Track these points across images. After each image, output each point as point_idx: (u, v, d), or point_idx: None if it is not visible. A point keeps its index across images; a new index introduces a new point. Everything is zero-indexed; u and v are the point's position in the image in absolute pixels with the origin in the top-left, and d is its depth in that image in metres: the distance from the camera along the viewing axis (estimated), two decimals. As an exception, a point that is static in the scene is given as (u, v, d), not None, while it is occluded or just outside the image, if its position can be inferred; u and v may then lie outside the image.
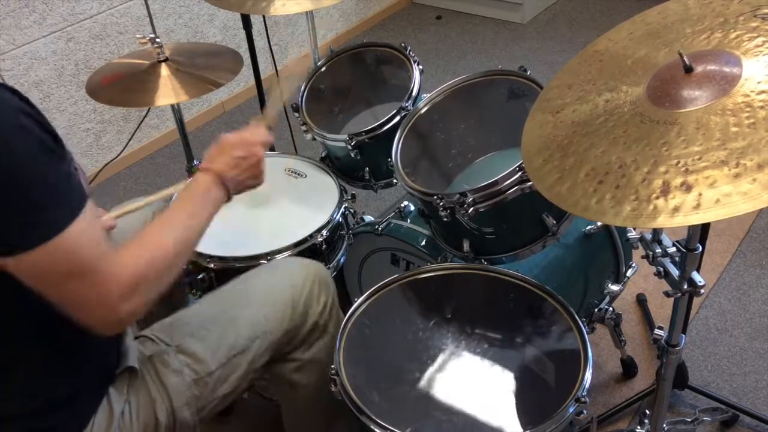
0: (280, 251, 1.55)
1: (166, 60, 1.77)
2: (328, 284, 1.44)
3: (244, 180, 1.28)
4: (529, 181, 1.32)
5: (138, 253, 1.02)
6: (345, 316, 1.35)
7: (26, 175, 0.90)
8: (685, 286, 1.14)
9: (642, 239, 1.21)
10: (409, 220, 1.74)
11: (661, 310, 2.07)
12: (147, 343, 1.26)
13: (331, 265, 1.67)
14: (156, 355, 1.24)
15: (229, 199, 1.25)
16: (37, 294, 0.95)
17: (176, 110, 1.94)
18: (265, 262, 1.54)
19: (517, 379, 1.22)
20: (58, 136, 0.96)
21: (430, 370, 1.25)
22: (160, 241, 1.07)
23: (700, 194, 0.86)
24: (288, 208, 1.71)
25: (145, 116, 2.92)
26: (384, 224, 1.71)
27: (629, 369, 1.89)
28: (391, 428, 1.12)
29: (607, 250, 1.72)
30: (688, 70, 0.97)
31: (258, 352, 1.31)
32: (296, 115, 1.85)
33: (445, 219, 1.42)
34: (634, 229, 1.20)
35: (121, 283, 0.98)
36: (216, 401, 1.28)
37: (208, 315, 1.32)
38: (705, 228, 1.53)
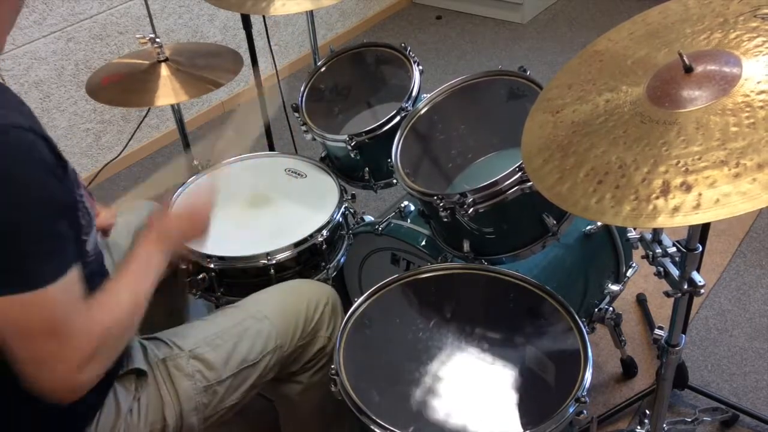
0: (280, 251, 1.55)
1: (166, 60, 1.77)
2: (338, 312, 1.45)
3: (187, 240, 1.33)
4: (529, 181, 1.32)
5: (102, 316, 1.02)
6: (345, 315, 1.35)
7: (22, 222, 0.90)
8: (685, 286, 1.14)
9: (642, 239, 1.21)
10: (409, 220, 1.74)
11: (661, 310, 2.07)
12: (161, 346, 1.28)
13: (331, 265, 1.67)
14: (169, 359, 1.25)
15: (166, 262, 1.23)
16: None
17: (176, 110, 1.94)
18: (266, 261, 1.54)
19: (517, 379, 1.22)
20: (68, 180, 0.98)
21: (430, 370, 1.25)
22: (119, 300, 1.07)
23: (700, 194, 0.86)
24: (288, 208, 1.71)
25: (145, 116, 2.91)
26: (384, 224, 1.71)
27: (629, 369, 1.89)
28: (391, 428, 1.12)
29: (607, 250, 1.72)
30: (688, 70, 0.97)
31: (268, 366, 1.33)
32: (296, 115, 1.85)
33: (445, 219, 1.42)
34: (634, 229, 1.20)
35: (84, 348, 0.97)
36: (223, 411, 1.30)
37: (223, 325, 1.33)
38: (705, 228, 1.53)
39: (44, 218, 0.93)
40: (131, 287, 1.11)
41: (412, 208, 1.78)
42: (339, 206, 1.67)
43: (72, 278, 0.96)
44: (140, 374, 1.21)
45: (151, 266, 1.17)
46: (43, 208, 0.93)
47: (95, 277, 1.14)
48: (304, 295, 1.42)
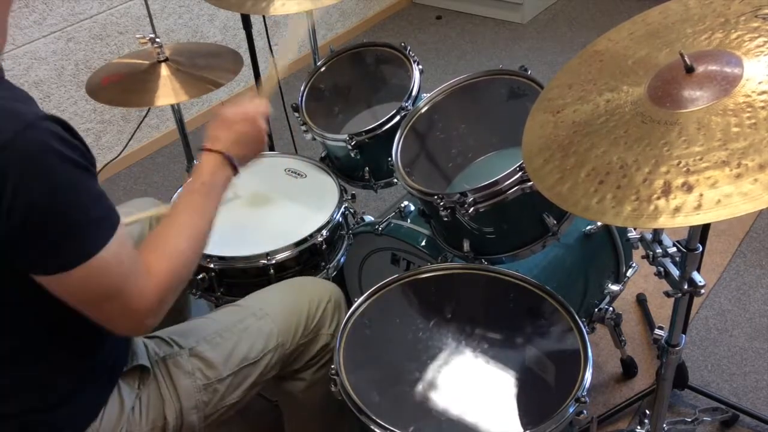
0: (280, 251, 1.55)
1: (166, 60, 1.77)
2: (341, 309, 1.45)
3: (248, 153, 1.27)
4: (530, 181, 1.32)
5: (161, 268, 1.04)
6: (345, 315, 1.35)
7: (65, 198, 0.92)
8: (686, 286, 1.14)
9: (642, 239, 1.21)
10: (409, 220, 1.74)
11: (661, 310, 2.07)
12: (161, 344, 1.28)
13: (331, 265, 1.67)
14: (169, 357, 1.25)
15: (236, 173, 1.23)
16: (50, 291, 0.96)
17: (176, 110, 1.94)
18: (265, 261, 1.54)
19: (517, 379, 1.22)
20: (89, 153, 0.99)
21: (430, 370, 1.25)
22: (177, 247, 1.08)
23: (701, 195, 0.86)
24: (288, 208, 1.71)
25: (145, 116, 2.91)
26: (384, 224, 1.71)
27: (629, 369, 1.89)
28: (391, 428, 1.12)
29: (608, 250, 1.72)
30: (689, 70, 0.97)
31: (269, 364, 1.33)
32: (296, 115, 1.85)
33: (446, 219, 1.42)
34: (635, 229, 1.20)
35: (150, 300, 1.02)
36: (223, 409, 1.30)
37: (224, 323, 1.33)
38: (705, 228, 1.53)
39: (84, 186, 0.95)
40: (189, 223, 1.12)
41: (412, 208, 1.78)
42: (339, 206, 1.67)
43: (120, 237, 0.97)
44: (143, 370, 1.22)
45: (217, 184, 1.18)
46: (80, 176, 0.95)
47: None
48: (306, 293, 1.42)
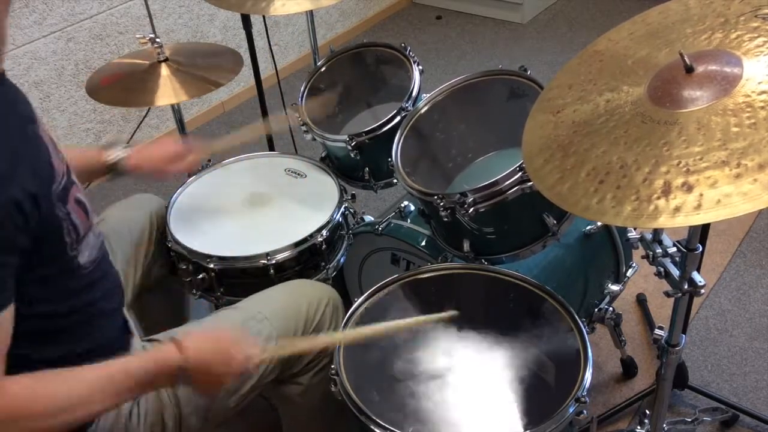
0: (280, 251, 1.55)
1: (166, 60, 1.77)
2: (339, 313, 1.44)
3: (203, 384, 1.12)
4: (530, 181, 1.32)
5: (26, 394, 0.95)
6: (345, 315, 1.35)
7: None
8: (686, 286, 1.14)
9: (642, 239, 1.21)
10: (409, 220, 1.74)
11: (661, 310, 2.07)
12: None
13: (331, 265, 1.67)
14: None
15: (174, 384, 1.13)
16: (44, 295, 0.95)
17: (176, 110, 1.94)
18: (265, 261, 1.54)
19: (517, 379, 1.22)
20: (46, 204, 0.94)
21: (430, 370, 1.25)
22: (54, 396, 0.97)
23: (701, 194, 0.86)
24: (288, 208, 1.71)
25: (145, 116, 2.91)
26: (384, 224, 1.71)
27: (629, 369, 1.89)
28: (391, 428, 1.12)
29: (607, 250, 1.72)
30: (689, 70, 0.97)
31: (267, 368, 1.32)
32: (296, 115, 1.85)
33: (446, 219, 1.42)
34: (635, 229, 1.20)
35: None
36: (223, 412, 1.29)
37: (223, 327, 1.31)
38: (705, 228, 1.53)
39: None
40: (88, 396, 0.99)
41: (412, 208, 1.78)
42: (339, 206, 1.67)
43: None
44: None
45: (140, 388, 1.06)
46: None
47: (96, 287, 1.13)
48: (305, 296, 1.41)
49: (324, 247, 1.61)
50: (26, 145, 0.98)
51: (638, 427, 1.48)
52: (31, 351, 1.04)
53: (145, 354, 1.14)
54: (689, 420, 1.67)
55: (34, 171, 0.96)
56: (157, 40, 1.75)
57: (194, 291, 1.62)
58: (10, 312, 0.93)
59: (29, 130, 1.02)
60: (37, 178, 0.97)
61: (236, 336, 1.16)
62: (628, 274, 1.77)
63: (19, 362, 0.99)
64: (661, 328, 1.28)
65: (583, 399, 1.14)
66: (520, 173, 1.34)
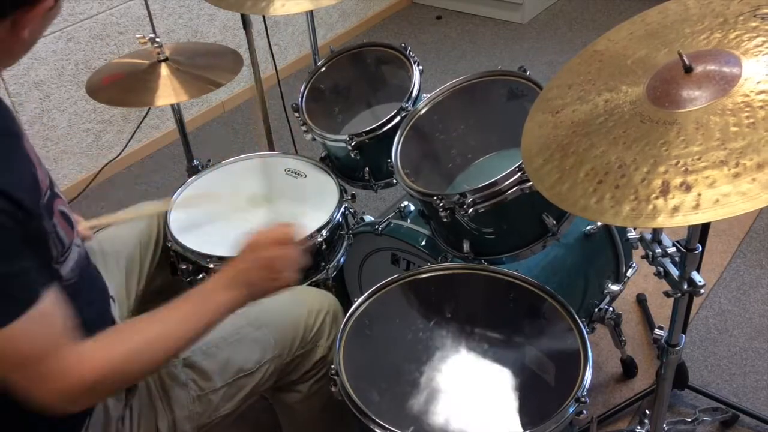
0: (280, 251, 1.55)
1: (166, 60, 1.77)
2: (339, 321, 1.41)
3: (267, 284, 1.14)
4: (529, 181, 1.32)
5: (100, 355, 0.96)
6: (345, 316, 1.35)
7: None
8: (685, 286, 1.14)
9: (642, 239, 1.21)
10: (409, 220, 1.74)
11: (661, 310, 2.07)
12: None
13: (330, 265, 1.67)
14: (162, 367, 1.22)
15: (244, 304, 1.12)
16: None
17: (176, 110, 1.94)
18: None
19: (517, 379, 1.22)
20: (37, 214, 0.94)
21: (430, 370, 1.25)
22: (133, 346, 0.99)
23: (699, 194, 0.86)
24: (288, 208, 1.71)
25: (145, 116, 2.92)
26: (384, 224, 1.71)
27: (629, 369, 1.89)
28: (391, 428, 1.12)
29: (607, 250, 1.72)
30: (688, 70, 0.97)
31: (265, 376, 1.31)
32: (296, 115, 1.85)
33: (445, 219, 1.42)
34: (634, 229, 1.20)
35: (67, 384, 0.93)
36: (218, 419, 1.28)
37: (219, 333, 1.27)
38: (705, 228, 1.53)
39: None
40: (162, 328, 1.02)
41: (412, 208, 1.78)
42: (339, 206, 1.67)
43: (35, 315, 0.90)
44: None
45: (207, 309, 1.07)
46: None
47: (80, 295, 1.10)
48: (305, 304, 1.40)
49: (324, 247, 1.61)
50: (12, 158, 0.96)
51: (638, 427, 1.48)
52: None
53: (203, 284, 1.12)
54: (689, 420, 1.67)
55: (22, 185, 0.94)
56: (157, 39, 1.75)
57: (194, 291, 1.61)
58: (49, 298, 0.92)
59: (13, 144, 0.99)
60: (26, 192, 0.95)
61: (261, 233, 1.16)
62: (628, 274, 1.77)
63: None
64: (661, 328, 1.28)
65: (583, 399, 1.14)
66: (520, 173, 1.34)
